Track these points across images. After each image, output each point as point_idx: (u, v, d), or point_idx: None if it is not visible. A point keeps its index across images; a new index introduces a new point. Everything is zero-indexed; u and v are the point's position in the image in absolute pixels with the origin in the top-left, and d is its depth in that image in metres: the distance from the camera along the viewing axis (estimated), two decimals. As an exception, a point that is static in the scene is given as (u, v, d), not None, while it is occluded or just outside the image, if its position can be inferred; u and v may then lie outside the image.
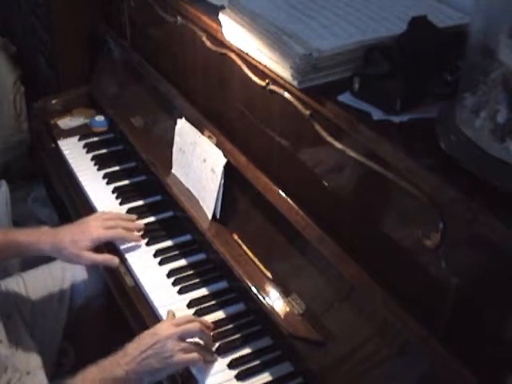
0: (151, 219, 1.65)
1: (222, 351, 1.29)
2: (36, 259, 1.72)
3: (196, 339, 1.27)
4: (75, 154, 1.90)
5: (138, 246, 1.56)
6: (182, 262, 1.52)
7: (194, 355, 1.23)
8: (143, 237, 1.58)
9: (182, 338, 1.24)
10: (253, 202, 1.36)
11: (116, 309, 1.52)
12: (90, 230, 1.51)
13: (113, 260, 1.50)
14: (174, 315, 1.33)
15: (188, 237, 1.59)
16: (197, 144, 1.50)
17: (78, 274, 1.66)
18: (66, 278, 1.65)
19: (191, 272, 1.49)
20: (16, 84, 2.46)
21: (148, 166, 1.69)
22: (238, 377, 1.24)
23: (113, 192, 1.75)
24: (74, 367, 1.59)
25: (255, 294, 1.26)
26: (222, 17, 1.32)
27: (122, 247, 1.55)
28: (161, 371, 1.23)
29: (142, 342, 1.23)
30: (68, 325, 1.63)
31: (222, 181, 1.41)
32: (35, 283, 1.63)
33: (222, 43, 1.39)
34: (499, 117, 0.87)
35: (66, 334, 1.62)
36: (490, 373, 0.88)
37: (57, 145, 1.95)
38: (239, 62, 1.33)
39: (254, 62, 1.27)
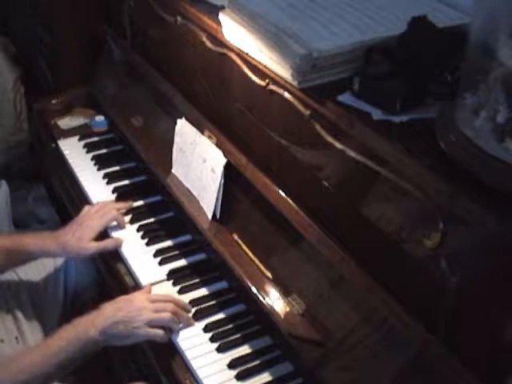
0: (151, 219, 1.65)
1: (222, 351, 1.29)
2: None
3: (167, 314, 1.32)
4: (75, 154, 1.90)
5: (138, 246, 1.56)
6: (182, 262, 1.52)
7: (158, 331, 1.30)
8: (143, 237, 1.59)
9: (152, 312, 1.31)
10: (253, 201, 1.36)
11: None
12: (88, 222, 1.57)
13: (117, 242, 1.57)
14: (150, 289, 1.42)
15: (188, 237, 1.59)
16: (197, 144, 1.50)
17: (73, 268, 1.71)
18: (57, 267, 1.69)
19: (191, 272, 1.49)
20: (16, 84, 2.46)
21: (148, 166, 1.69)
22: (238, 377, 1.24)
23: (113, 192, 1.75)
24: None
25: (255, 294, 1.26)
26: (221, 17, 1.32)
27: (123, 247, 1.56)
28: (127, 338, 1.31)
29: (117, 307, 1.31)
30: (63, 317, 1.64)
31: (222, 181, 1.41)
32: (29, 276, 1.66)
33: (222, 43, 1.39)
34: (499, 117, 0.87)
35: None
36: (490, 373, 0.88)
37: (57, 145, 1.95)
38: (239, 61, 1.33)
39: (254, 62, 1.27)
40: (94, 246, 1.55)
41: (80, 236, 1.53)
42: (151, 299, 1.35)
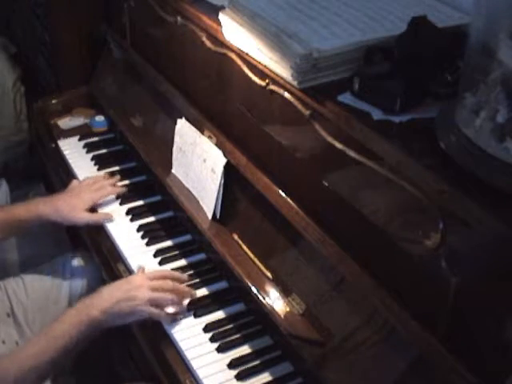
0: (151, 219, 1.65)
1: (222, 351, 1.29)
2: (35, 258, 1.73)
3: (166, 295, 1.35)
4: (75, 154, 1.91)
5: (138, 246, 1.56)
6: (182, 262, 1.52)
7: (157, 310, 1.33)
8: (143, 237, 1.59)
9: (152, 290, 1.34)
10: (253, 202, 1.36)
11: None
12: (81, 194, 1.63)
13: (107, 216, 1.63)
14: (143, 270, 1.43)
15: (188, 237, 1.59)
16: (197, 144, 1.50)
17: (77, 272, 1.70)
18: (64, 276, 1.69)
19: (191, 272, 1.49)
20: (16, 84, 2.46)
21: (148, 166, 1.69)
22: (238, 377, 1.24)
23: (113, 192, 1.75)
24: (74, 365, 1.59)
25: (255, 294, 1.26)
26: (221, 17, 1.32)
27: (122, 246, 1.56)
28: (129, 316, 1.33)
29: (116, 288, 1.34)
30: None
31: (222, 181, 1.41)
32: (34, 282, 1.66)
33: (222, 43, 1.39)
34: (499, 117, 0.87)
35: None
36: (490, 373, 0.88)
37: (57, 145, 1.95)
38: (239, 61, 1.33)
39: (254, 62, 1.27)
40: (87, 217, 1.61)
41: (73, 205, 1.59)
42: (149, 277, 1.37)
